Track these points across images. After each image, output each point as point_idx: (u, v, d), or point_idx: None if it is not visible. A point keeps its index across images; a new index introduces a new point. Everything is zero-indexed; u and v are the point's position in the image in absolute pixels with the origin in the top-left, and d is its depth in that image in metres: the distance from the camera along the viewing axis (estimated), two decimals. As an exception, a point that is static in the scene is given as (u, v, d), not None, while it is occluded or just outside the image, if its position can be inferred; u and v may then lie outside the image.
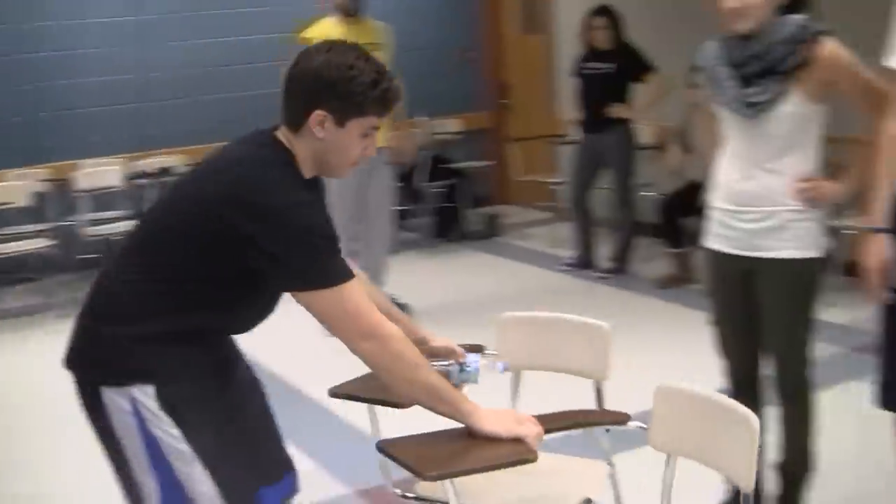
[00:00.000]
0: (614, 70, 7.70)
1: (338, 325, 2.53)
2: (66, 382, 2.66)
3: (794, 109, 3.45)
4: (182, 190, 2.65)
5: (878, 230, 3.31)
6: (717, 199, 3.69)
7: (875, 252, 3.30)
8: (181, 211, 2.57)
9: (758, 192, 3.54)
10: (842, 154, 3.79)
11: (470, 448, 2.61)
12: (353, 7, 6.68)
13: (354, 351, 2.58)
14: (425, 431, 2.74)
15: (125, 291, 2.59)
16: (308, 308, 2.52)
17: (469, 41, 10.72)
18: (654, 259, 8.04)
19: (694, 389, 2.84)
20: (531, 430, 2.61)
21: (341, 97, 2.54)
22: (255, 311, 2.72)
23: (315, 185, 2.70)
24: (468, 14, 10.75)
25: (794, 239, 3.53)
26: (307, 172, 2.63)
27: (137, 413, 2.55)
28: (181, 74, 9.47)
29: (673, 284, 7.48)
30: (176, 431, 2.56)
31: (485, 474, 2.65)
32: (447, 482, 2.61)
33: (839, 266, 6.08)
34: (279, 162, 2.57)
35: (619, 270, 7.93)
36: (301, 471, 3.01)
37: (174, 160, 9.06)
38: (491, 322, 3.44)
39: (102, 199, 8.74)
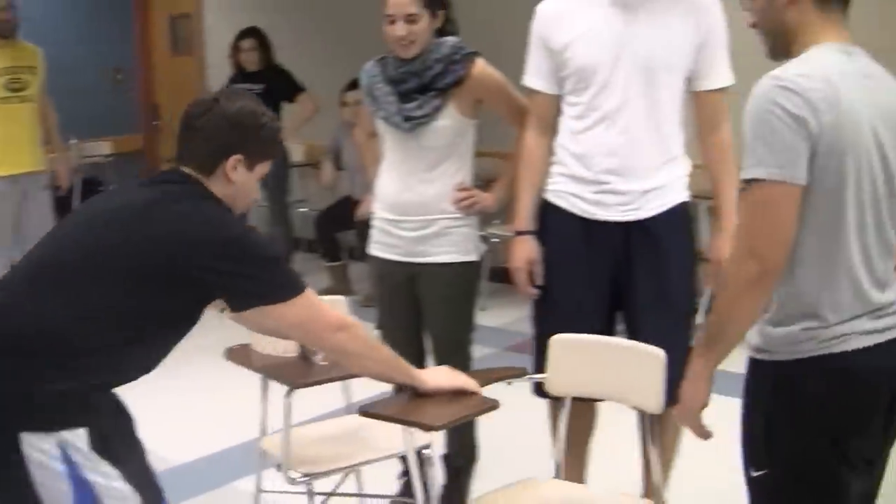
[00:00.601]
0: (263, 91, 7.72)
1: (311, 326, 2.74)
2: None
3: (449, 123, 3.73)
4: (102, 227, 2.63)
5: (523, 233, 3.65)
6: (380, 210, 3.93)
7: (521, 253, 3.63)
8: (117, 250, 2.56)
9: (416, 201, 3.80)
10: (492, 167, 4.12)
11: (442, 402, 2.97)
12: (6, 29, 6.51)
13: (327, 346, 2.88)
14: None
15: (49, 328, 2.50)
16: (280, 320, 2.69)
17: (121, 61, 10.61)
18: (312, 273, 8.25)
19: (589, 337, 3.27)
20: (468, 382, 3.02)
21: (256, 143, 2.74)
22: (171, 346, 2.75)
23: None
24: (119, 34, 10.64)
25: (453, 244, 3.82)
26: None
27: (68, 458, 2.48)
28: None
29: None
30: (112, 470, 2.51)
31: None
32: (407, 436, 3.12)
33: (489, 272, 6.50)
34: (212, 197, 2.70)
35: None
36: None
37: None
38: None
39: None
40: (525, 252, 3.63)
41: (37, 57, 6.74)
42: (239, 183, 2.73)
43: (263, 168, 2.79)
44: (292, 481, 3.41)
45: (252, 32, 7.94)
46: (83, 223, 2.72)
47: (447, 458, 4.07)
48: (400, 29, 3.65)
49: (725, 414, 2.73)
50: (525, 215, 3.65)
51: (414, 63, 3.71)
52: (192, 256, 2.55)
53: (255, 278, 2.61)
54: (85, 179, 9.38)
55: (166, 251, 2.54)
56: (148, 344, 2.66)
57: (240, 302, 2.66)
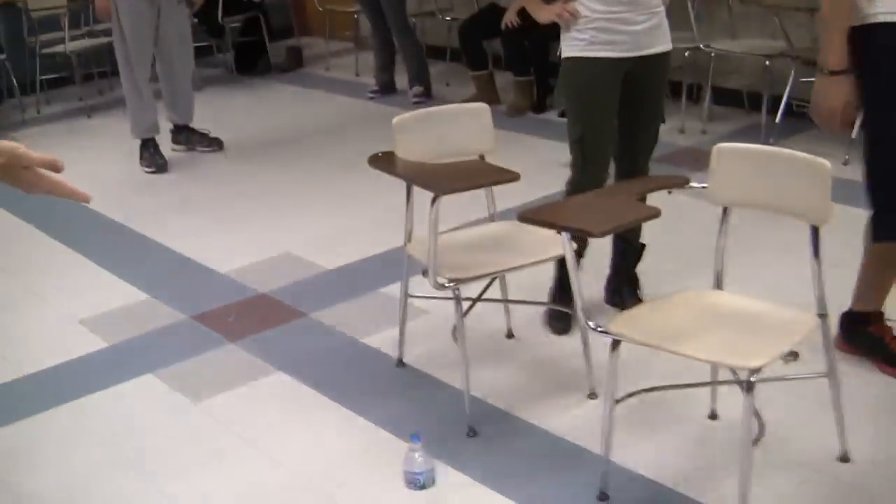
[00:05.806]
0: None
1: None
2: None
3: None
4: None
5: (838, 73, 3.40)
6: (599, 7, 3.78)
7: (839, 94, 3.39)
8: None
9: None
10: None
11: (601, 208, 3.06)
12: None
13: None
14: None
15: None
16: None
17: None
18: (458, 83, 8.17)
19: (750, 146, 3.08)
20: None
21: None
22: None
23: None
24: None
25: (665, 34, 3.89)
26: None
27: None
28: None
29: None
30: None
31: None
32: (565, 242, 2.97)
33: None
34: None
35: (426, 95, 7.99)
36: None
37: None
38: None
39: None
40: (843, 93, 3.39)
41: None
42: None
43: None
44: (439, 286, 3.41)
45: None
46: None
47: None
48: None
49: None
50: (840, 53, 3.39)
51: None
52: None
53: None
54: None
55: None
56: None
57: None
